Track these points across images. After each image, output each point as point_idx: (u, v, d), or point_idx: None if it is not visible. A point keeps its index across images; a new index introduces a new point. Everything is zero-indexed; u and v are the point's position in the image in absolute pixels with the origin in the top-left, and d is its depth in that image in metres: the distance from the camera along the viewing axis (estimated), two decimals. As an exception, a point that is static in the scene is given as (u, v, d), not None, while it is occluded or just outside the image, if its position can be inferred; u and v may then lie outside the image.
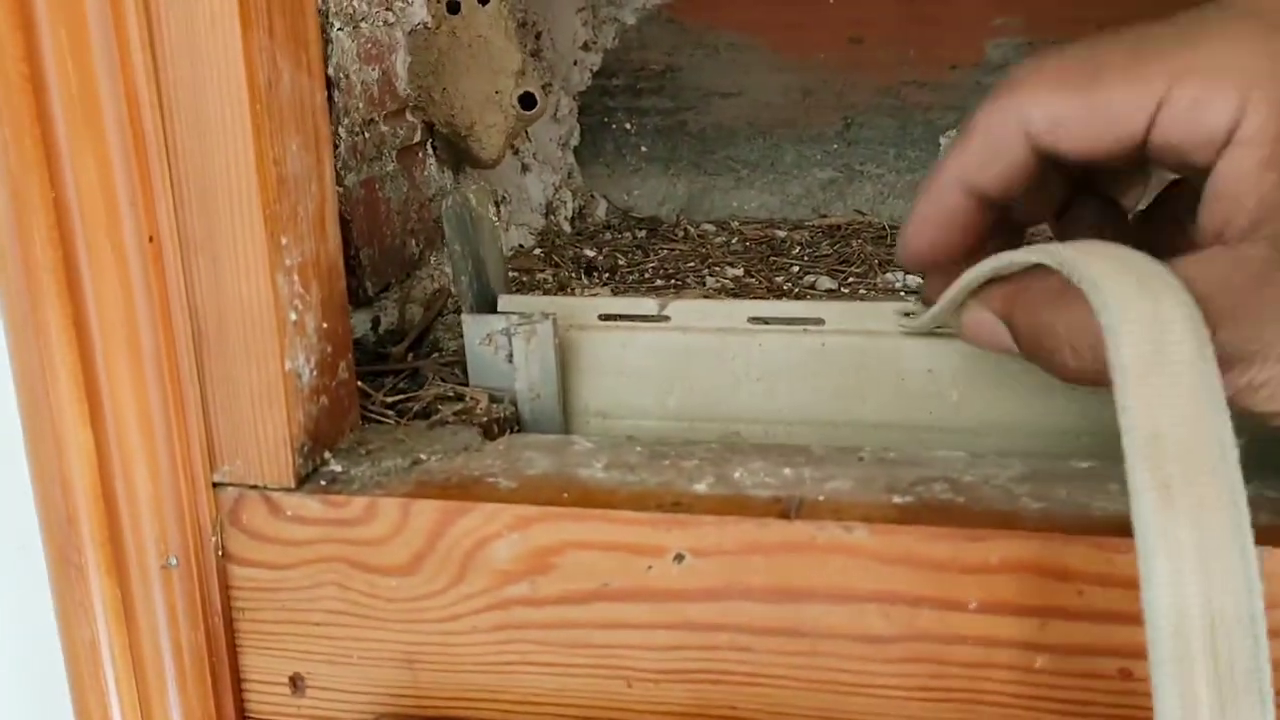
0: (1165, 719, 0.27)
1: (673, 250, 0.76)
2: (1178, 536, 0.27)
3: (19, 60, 0.34)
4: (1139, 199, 0.40)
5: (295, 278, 0.38)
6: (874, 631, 0.35)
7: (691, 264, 0.72)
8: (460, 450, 0.42)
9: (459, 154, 0.63)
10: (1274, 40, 0.31)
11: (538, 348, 0.46)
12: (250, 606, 0.40)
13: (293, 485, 0.39)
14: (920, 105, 0.86)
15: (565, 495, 0.37)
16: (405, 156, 0.58)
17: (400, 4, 0.56)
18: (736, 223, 0.85)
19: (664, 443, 0.41)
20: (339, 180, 0.51)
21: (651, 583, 0.36)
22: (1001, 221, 0.38)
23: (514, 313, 0.47)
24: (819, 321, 0.44)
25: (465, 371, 0.49)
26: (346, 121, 0.51)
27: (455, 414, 0.46)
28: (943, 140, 0.86)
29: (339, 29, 0.50)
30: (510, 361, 0.47)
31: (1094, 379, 0.32)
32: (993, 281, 0.37)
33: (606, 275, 0.70)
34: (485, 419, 0.45)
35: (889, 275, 0.69)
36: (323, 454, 0.40)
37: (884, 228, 0.82)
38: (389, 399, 0.47)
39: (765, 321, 0.45)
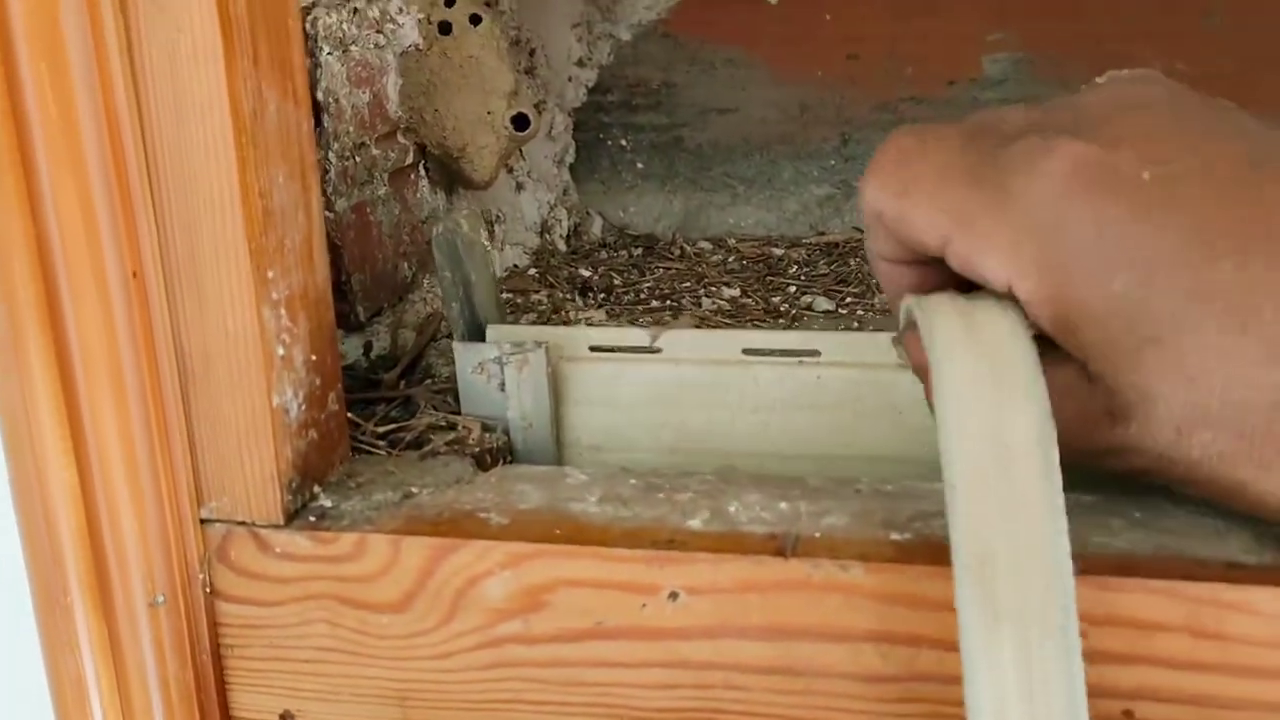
0: None
1: (669, 269, 0.75)
2: (1001, 660, 0.27)
3: None
4: None
5: (282, 311, 0.38)
6: (872, 671, 0.34)
7: (687, 284, 0.71)
8: (452, 483, 0.41)
9: (452, 175, 0.62)
10: (1063, 201, 0.32)
11: (530, 377, 0.45)
12: (239, 644, 0.39)
13: (281, 522, 0.38)
14: (918, 120, 0.85)
15: (558, 532, 0.37)
16: (397, 179, 0.58)
17: (391, 26, 0.56)
18: (733, 240, 0.84)
19: (658, 474, 0.41)
20: (329, 205, 0.50)
21: (646, 621, 0.36)
22: None
23: (505, 341, 0.46)
24: (815, 353, 0.43)
25: (457, 399, 0.48)
26: (336, 146, 0.51)
27: (448, 444, 0.45)
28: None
29: (328, 53, 0.50)
30: (502, 390, 0.46)
31: None
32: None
33: (602, 296, 0.69)
34: (478, 449, 0.45)
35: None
36: (312, 488, 0.40)
37: (881, 245, 0.81)
38: (380, 429, 0.46)
39: (760, 353, 0.44)
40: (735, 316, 0.64)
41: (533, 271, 0.74)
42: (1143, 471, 0.34)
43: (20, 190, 0.34)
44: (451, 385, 0.50)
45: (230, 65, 0.34)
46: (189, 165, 0.35)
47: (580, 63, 0.86)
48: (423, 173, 0.61)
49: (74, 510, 0.37)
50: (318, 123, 0.49)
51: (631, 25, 0.85)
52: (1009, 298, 0.33)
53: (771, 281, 0.71)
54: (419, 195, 0.61)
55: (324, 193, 0.49)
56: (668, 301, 0.68)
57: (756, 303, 0.67)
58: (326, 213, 0.40)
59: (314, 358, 0.40)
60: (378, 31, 0.54)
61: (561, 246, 0.81)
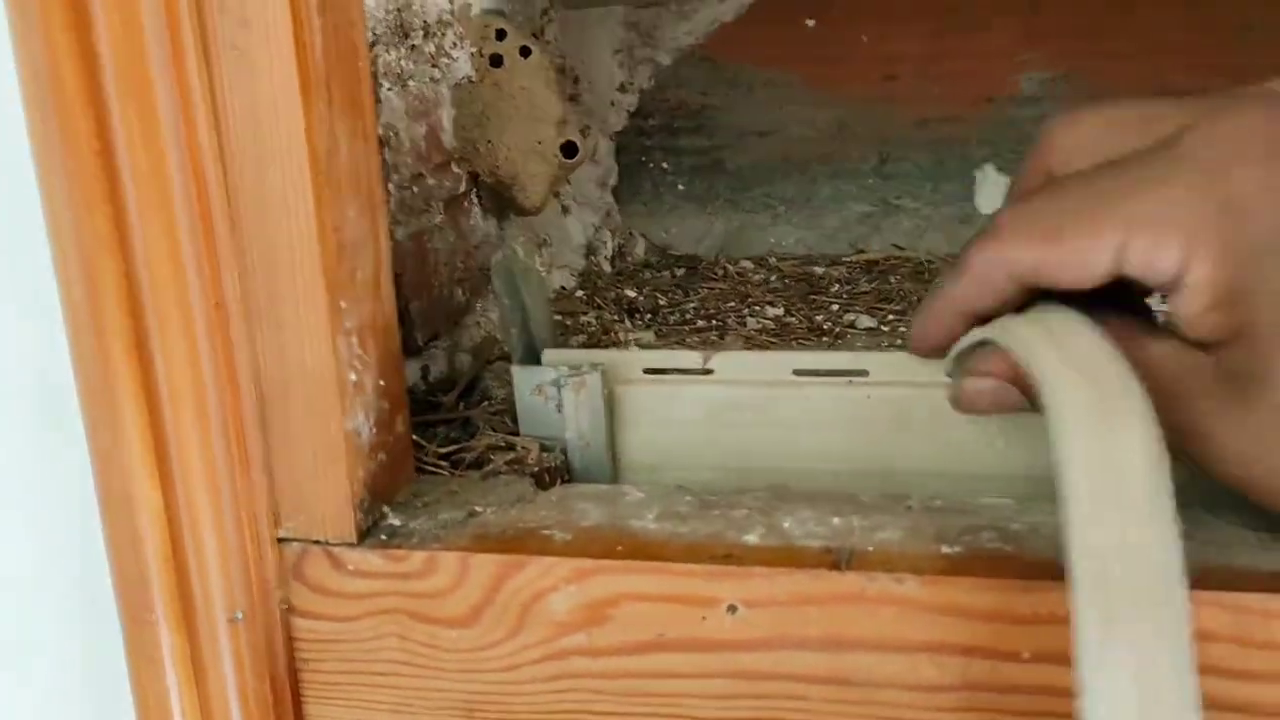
0: None
1: (712, 289, 0.77)
2: (1116, 664, 0.28)
3: (90, 137, 0.36)
4: None
5: (354, 339, 0.39)
6: (927, 681, 0.36)
7: (731, 303, 0.73)
8: (514, 501, 0.43)
9: (503, 202, 0.64)
10: (1213, 189, 0.34)
11: (587, 398, 0.47)
12: (314, 658, 0.41)
13: (354, 540, 0.40)
14: (955, 139, 0.87)
15: (619, 548, 0.38)
16: (451, 207, 0.60)
17: (446, 60, 0.57)
18: (774, 259, 0.86)
19: (712, 492, 0.42)
20: (389, 235, 0.52)
21: (706, 633, 0.37)
22: None
23: (562, 364, 0.48)
24: (863, 373, 0.45)
25: (514, 419, 0.50)
26: (395, 178, 0.53)
27: (507, 464, 0.47)
28: (977, 175, 0.87)
29: (388, 89, 0.52)
30: (560, 411, 0.48)
31: None
32: (982, 350, 0.39)
33: (649, 316, 0.71)
34: (537, 468, 0.46)
35: (928, 312, 0.69)
36: (381, 508, 0.42)
37: (921, 262, 0.82)
38: (442, 450, 0.48)
39: (810, 374, 0.46)
40: (780, 335, 0.66)
41: (580, 293, 0.75)
42: (1213, 459, 0.35)
43: (110, 228, 0.36)
44: (508, 406, 0.52)
45: (308, 109, 0.36)
46: (268, 204, 0.37)
47: (622, 88, 0.87)
48: (474, 200, 0.63)
49: (160, 531, 0.39)
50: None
51: (671, 50, 0.87)
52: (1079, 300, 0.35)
53: (814, 300, 0.73)
54: (471, 222, 0.62)
55: (384, 222, 0.51)
56: (713, 321, 0.69)
57: (800, 321, 0.68)
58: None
59: (383, 383, 0.41)
60: (433, 66, 0.56)
61: (607, 268, 0.83)
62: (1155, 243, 0.34)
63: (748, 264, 0.84)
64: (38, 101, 0.36)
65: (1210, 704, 0.33)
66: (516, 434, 0.49)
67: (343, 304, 0.38)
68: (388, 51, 0.51)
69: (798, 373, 0.46)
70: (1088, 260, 0.35)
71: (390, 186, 0.52)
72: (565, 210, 0.80)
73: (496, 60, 0.60)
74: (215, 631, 0.40)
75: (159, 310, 0.37)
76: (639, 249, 0.88)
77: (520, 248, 0.48)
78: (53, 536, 0.40)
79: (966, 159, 0.87)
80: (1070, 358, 0.33)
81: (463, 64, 0.59)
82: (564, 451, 0.48)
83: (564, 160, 0.62)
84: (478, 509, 0.42)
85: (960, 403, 0.41)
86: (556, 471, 0.47)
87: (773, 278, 0.80)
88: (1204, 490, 0.35)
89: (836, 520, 0.39)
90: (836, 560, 0.36)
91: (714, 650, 0.37)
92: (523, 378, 0.48)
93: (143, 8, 0.35)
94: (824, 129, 0.88)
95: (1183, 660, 0.28)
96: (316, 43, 0.36)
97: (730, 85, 0.88)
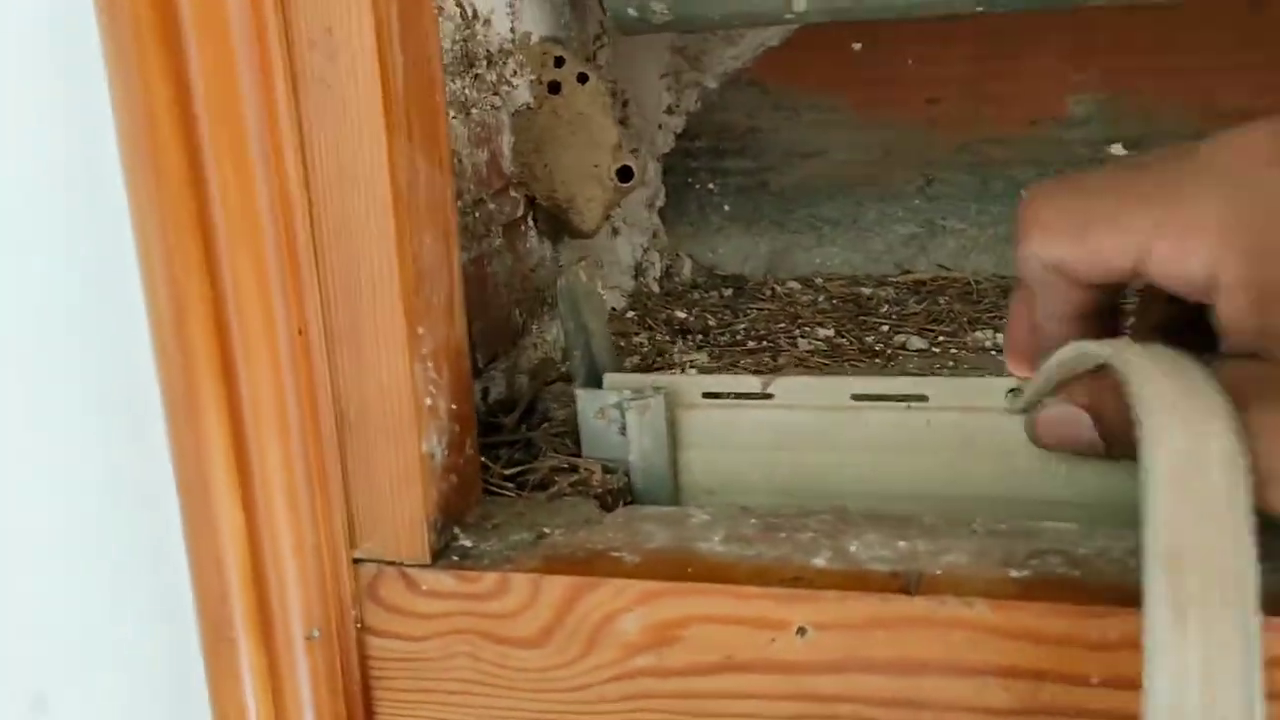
0: None
1: (761, 310, 0.77)
2: (1185, 645, 0.29)
3: (182, 167, 0.37)
4: None
5: (429, 364, 0.40)
6: (997, 704, 0.36)
7: (781, 324, 0.73)
8: (581, 523, 0.43)
9: (559, 225, 0.65)
10: (1240, 192, 0.34)
11: (650, 421, 0.47)
12: (387, 676, 0.42)
13: (428, 561, 0.41)
14: (999, 161, 0.87)
15: (689, 570, 0.39)
16: (509, 231, 0.61)
17: (506, 88, 0.59)
18: (821, 279, 0.86)
19: (776, 514, 0.43)
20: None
21: (775, 655, 0.38)
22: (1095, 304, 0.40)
23: (623, 388, 0.48)
24: (923, 398, 0.45)
25: (576, 441, 0.51)
26: (459, 203, 0.54)
27: (572, 485, 0.48)
28: (1023, 194, 0.87)
29: (453, 116, 0.53)
30: (623, 434, 0.48)
31: None
32: (1075, 377, 0.39)
33: (699, 337, 0.72)
34: (600, 490, 0.47)
35: (978, 334, 0.70)
36: (453, 529, 0.42)
37: (968, 283, 0.83)
38: (507, 471, 0.49)
39: (869, 398, 0.46)
40: (832, 356, 0.66)
41: (631, 314, 0.76)
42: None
43: (199, 255, 0.37)
44: (568, 427, 0.53)
45: (391, 141, 0.37)
46: (351, 232, 0.38)
47: (669, 110, 0.88)
48: (531, 223, 0.64)
49: (241, 551, 0.40)
50: (444, 182, 0.52)
51: (718, 74, 0.88)
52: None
53: (864, 321, 0.73)
54: (528, 245, 0.64)
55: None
56: (764, 342, 0.70)
57: (851, 343, 0.69)
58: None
59: (454, 406, 0.42)
60: (495, 94, 0.57)
61: (655, 289, 0.83)
62: (1180, 247, 0.34)
63: (795, 284, 0.85)
64: (131, 130, 0.37)
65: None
66: (578, 455, 0.50)
67: (420, 329, 0.39)
68: (453, 81, 0.53)
69: (857, 397, 0.46)
70: (1110, 260, 0.36)
71: (454, 212, 0.53)
72: (615, 232, 0.81)
73: (555, 87, 0.61)
74: (293, 649, 0.41)
75: (244, 335, 0.38)
76: (686, 269, 0.89)
77: (583, 270, 0.49)
78: (136, 555, 0.41)
79: (1011, 180, 0.87)
80: (1160, 359, 0.34)
81: (522, 91, 0.60)
82: (626, 473, 0.49)
83: (619, 184, 0.63)
84: (546, 530, 0.43)
85: (1036, 429, 0.41)
86: (619, 493, 0.48)
87: (820, 298, 0.80)
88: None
89: (902, 543, 0.40)
90: (905, 584, 0.37)
91: (783, 672, 0.38)
92: (586, 400, 0.49)
93: (234, 40, 0.36)
94: (869, 152, 0.89)
95: (1251, 640, 0.29)
96: (399, 77, 0.37)
97: (775, 108, 0.89)
